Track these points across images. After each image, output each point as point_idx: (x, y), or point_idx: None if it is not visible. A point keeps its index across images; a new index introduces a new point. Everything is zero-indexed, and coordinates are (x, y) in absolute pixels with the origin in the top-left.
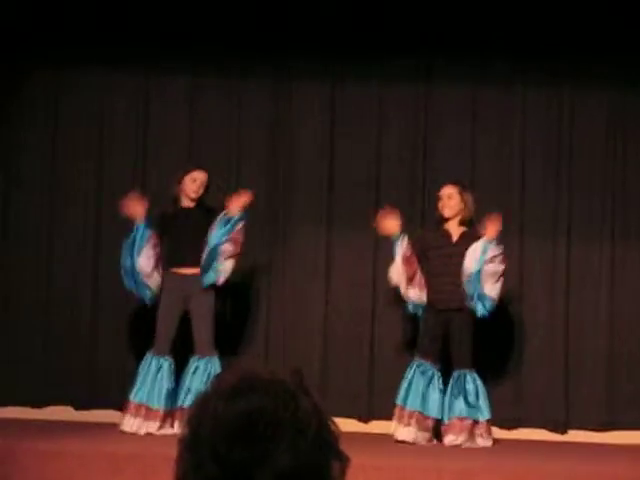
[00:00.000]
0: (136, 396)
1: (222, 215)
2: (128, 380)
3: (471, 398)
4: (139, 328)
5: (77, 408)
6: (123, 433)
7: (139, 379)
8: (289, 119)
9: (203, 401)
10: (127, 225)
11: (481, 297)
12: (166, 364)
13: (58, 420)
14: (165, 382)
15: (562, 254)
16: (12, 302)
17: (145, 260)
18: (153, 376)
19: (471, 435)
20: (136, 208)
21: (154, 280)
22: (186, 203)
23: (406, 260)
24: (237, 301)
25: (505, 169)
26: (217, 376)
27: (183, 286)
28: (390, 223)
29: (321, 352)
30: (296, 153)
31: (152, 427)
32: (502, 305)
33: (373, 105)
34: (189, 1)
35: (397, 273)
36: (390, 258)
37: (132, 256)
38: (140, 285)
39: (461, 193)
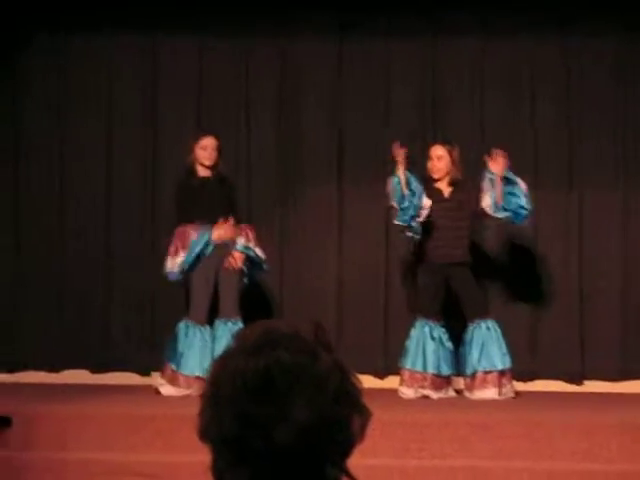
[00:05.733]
0: (174, 363)
1: None
2: (143, 342)
3: (492, 348)
4: (154, 291)
5: (93, 371)
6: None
7: (178, 347)
8: (296, 73)
9: (225, 357)
10: (137, 190)
11: (515, 210)
12: (206, 332)
13: (75, 384)
14: (206, 350)
15: (575, 200)
16: (27, 267)
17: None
18: (192, 344)
19: (499, 386)
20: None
21: None
22: (202, 172)
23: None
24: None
25: (515, 118)
26: (239, 332)
27: (212, 253)
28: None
29: (335, 308)
30: (304, 108)
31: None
32: (515, 256)
33: (380, 58)
34: None
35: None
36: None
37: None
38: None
39: (450, 153)
